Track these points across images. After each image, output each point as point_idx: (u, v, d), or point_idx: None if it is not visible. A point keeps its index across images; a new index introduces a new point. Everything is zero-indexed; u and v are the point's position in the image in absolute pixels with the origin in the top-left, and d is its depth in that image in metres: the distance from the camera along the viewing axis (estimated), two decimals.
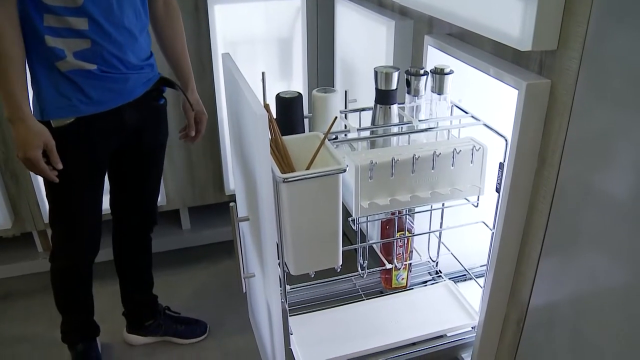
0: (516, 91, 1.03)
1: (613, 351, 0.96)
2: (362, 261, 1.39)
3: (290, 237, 1.09)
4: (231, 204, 1.12)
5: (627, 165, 0.86)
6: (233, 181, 2.24)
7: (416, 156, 1.16)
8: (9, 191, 2.02)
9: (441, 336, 1.37)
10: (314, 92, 1.25)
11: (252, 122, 0.96)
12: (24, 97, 1.28)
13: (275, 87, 2.11)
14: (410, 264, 1.50)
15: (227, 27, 1.99)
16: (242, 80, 1.09)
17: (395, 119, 1.25)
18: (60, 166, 1.35)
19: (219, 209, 2.43)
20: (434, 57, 1.35)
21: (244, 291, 1.24)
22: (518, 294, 1.21)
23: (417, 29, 1.49)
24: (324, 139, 1.12)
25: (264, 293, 1.20)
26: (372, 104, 1.26)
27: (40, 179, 1.99)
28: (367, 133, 1.27)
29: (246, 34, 2.03)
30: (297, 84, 2.15)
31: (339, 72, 2.05)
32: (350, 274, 1.53)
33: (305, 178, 1.03)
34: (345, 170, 1.04)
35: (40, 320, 2.04)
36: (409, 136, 1.29)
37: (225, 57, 1.27)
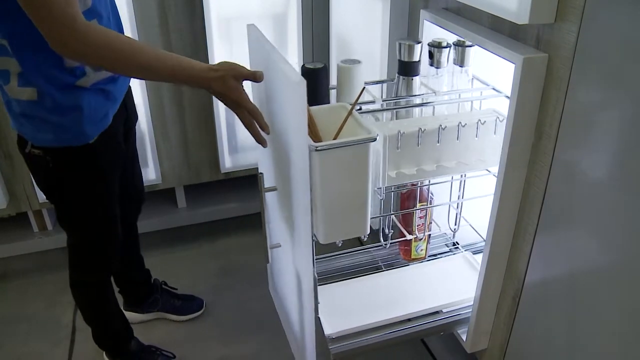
0: None
1: (609, 328, 0.96)
2: (387, 231, 1.41)
3: (320, 206, 1.11)
4: (259, 173, 1.13)
5: (625, 140, 0.86)
6: (228, 159, 2.24)
7: (442, 126, 1.19)
8: (3, 171, 2.01)
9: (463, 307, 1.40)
10: (339, 63, 1.26)
11: (289, 90, 0.96)
12: (178, 56, 1.10)
13: None
14: (429, 235, 1.52)
15: (221, 4, 1.96)
16: (273, 50, 1.08)
17: (417, 91, 1.27)
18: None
19: (215, 187, 2.43)
20: (430, 31, 1.34)
21: (269, 262, 1.25)
22: (514, 269, 1.21)
23: (412, 3, 1.48)
24: (352, 109, 1.13)
25: (293, 262, 1.21)
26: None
27: None
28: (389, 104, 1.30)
29: (240, 10, 2.01)
30: (292, 59, 2.13)
31: (334, 47, 2.03)
32: (369, 245, 1.56)
33: (338, 147, 1.04)
34: (375, 139, 1.06)
35: (37, 299, 2.05)
36: (434, 107, 1.31)
37: (251, 29, 1.25)
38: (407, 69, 1.25)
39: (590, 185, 0.95)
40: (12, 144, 1.95)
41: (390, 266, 1.53)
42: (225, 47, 2.02)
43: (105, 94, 1.27)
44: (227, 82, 1.08)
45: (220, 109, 2.11)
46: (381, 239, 1.41)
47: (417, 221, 1.43)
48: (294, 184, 1.06)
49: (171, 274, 2.05)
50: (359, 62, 1.25)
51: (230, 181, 2.40)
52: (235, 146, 2.23)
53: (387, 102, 1.27)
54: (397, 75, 1.28)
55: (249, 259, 2.25)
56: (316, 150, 1.02)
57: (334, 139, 1.13)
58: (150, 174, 2.17)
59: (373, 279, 1.48)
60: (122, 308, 1.87)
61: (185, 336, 1.89)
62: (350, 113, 1.13)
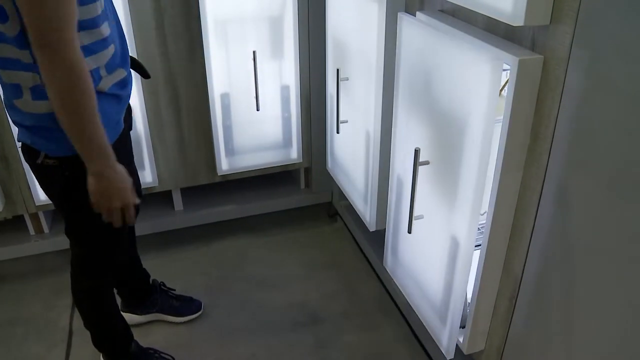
0: None
1: (606, 328, 0.97)
2: None
3: None
4: (416, 148, 1.27)
5: (620, 141, 0.86)
6: (225, 162, 2.24)
7: None
8: None
9: None
10: None
11: (478, 72, 1.08)
12: (107, 140, 1.15)
13: (266, 66, 2.09)
14: None
15: (218, 6, 1.96)
16: (452, 36, 1.17)
17: None
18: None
19: (211, 189, 2.43)
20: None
21: (411, 232, 1.38)
22: (511, 269, 1.22)
23: (408, 5, 1.48)
24: (502, 88, 1.24)
25: (448, 231, 1.32)
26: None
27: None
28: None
29: (237, 12, 2.01)
30: (289, 62, 2.14)
31: (330, 49, 2.03)
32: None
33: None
34: None
35: (34, 302, 2.04)
36: None
37: (404, 17, 1.34)
38: None
39: (586, 186, 0.95)
40: (7, 146, 1.94)
41: None
42: (222, 49, 2.02)
43: (117, 99, 1.27)
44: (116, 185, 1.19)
45: (217, 111, 2.11)
46: None
47: None
48: (465, 157, 1.18)
49: (168, 276, 2.05)
50: None
51: (227, 183, 2.40)
52: (232, 148, 2.23)
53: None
54: None
55: (245, 261, 2.25)
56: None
57: None
58: (147, 176, 2.17)
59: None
60: (120, 310, 1.87)
61: (183, 339, 1.89)
62: (499, 92, 1.24)
